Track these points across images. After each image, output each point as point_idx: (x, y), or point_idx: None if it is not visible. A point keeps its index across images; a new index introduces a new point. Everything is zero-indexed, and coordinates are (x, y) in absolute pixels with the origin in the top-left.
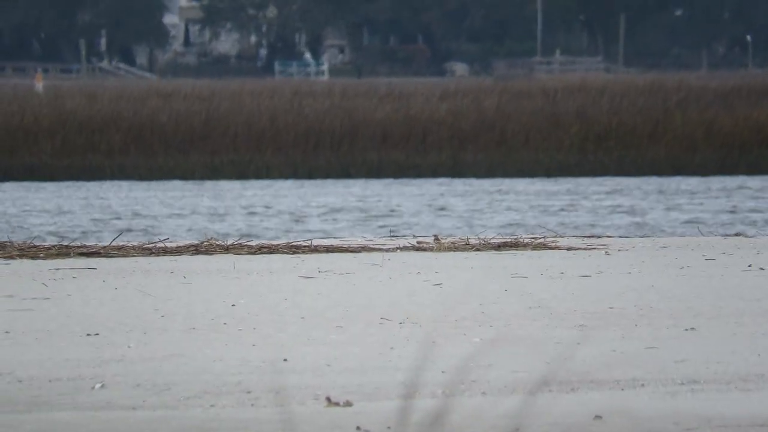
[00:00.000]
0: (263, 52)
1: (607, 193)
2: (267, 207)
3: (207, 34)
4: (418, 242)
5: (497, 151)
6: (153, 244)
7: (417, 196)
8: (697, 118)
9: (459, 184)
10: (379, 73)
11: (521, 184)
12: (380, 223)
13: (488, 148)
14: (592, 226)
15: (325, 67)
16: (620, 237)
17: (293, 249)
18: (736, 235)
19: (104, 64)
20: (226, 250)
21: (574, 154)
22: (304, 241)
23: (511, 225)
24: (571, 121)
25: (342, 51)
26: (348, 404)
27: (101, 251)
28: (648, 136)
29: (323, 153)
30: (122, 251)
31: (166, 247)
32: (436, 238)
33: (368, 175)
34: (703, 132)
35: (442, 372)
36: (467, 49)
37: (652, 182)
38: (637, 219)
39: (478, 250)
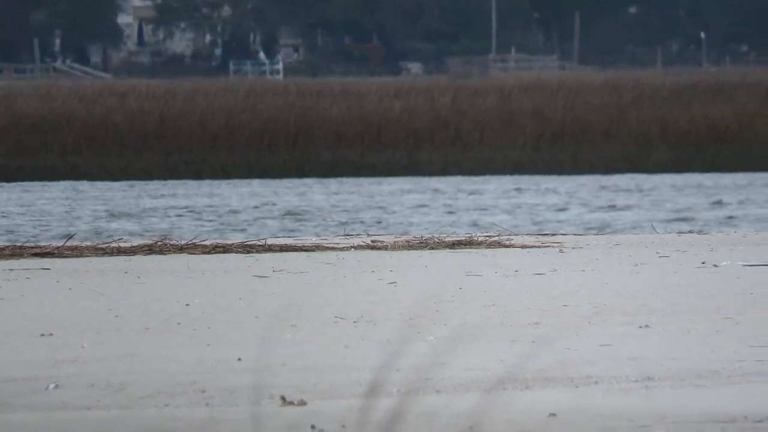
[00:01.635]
0: (218, 51)
1: (562, 190)
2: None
3: (161, 33)
4: (372, 241)
5: (452, 150)
6: (107, 244)
7: (371, 194)
8: (652, 116)
9: (414, 182)
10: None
11: (477, 182)
12: (336, 222)
13: (444, 146)
14: (546, 223)
15: (279, 66)
16: (574, 235)
17: (247, 248)
18: (690, 232)
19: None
20: (180, 249)
21: (529, 151)
22: (258, 240)
23: (464, 223)
24: (526, 119)
25: (297, 50)
26: (303, 403)
27: (55, 251)
28: (603, 133)
29: (278, 152)
30: (76, 251)
31: (120, 247)
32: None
33: (323, 174)
34: (658, 129)
35: (398, 371)
36: (422, 48)
37: (607, 180)
38: (592, 216)
39: (432, 248)
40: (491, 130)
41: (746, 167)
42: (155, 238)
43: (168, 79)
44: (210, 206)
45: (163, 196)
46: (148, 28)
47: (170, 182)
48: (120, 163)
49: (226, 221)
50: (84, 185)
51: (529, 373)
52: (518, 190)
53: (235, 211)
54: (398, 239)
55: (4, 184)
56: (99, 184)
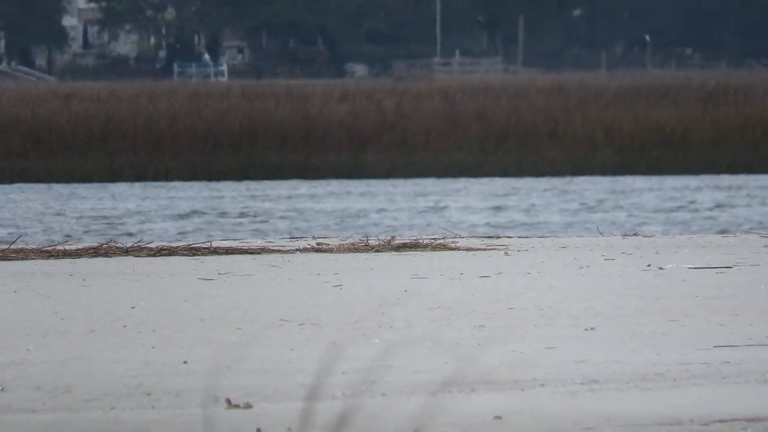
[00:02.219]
0: (162, 53)
1: (506, 193)
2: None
3: (106, 35)
4: (317, 244)
5: (397, 152)
6: (52, 247)
7: (318, 196)
8: (597, 119)
9: (359, 185)
10: (279, 74)
11: (421, 184)
12: (282, 226)
13: (388, 149)
14: (491, 226)
15: (224, 68)
16: (519, 237)
17: (193, 251)
18: (635, 234)
19: (3, 66)
20: (126, 252)
21: (474, 154)
22: (203, 242)
23: (412, 226)
24: (470, 122)
25: (241, 52)
26: (248, 406)
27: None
28: (548, 136)
29: (222, 155)
30: (21, 254)
31: (66, 249)
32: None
33: (268, 176)
34: (602, 132)
35: (343, 373)
36: (367, 51)
37: (551, 183)
38: (535, 219)
39: (377, 251)
40: (436, 133)
41: (690, 170)
42: (101, 241)
43: (112, 81)
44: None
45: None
46: (93, 30)
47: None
48: (66, 166)
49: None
50: (32, 187)
51: (474, 375)
52: (463, 192)
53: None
54: (344, 242)
55: None
56: (44, 186)
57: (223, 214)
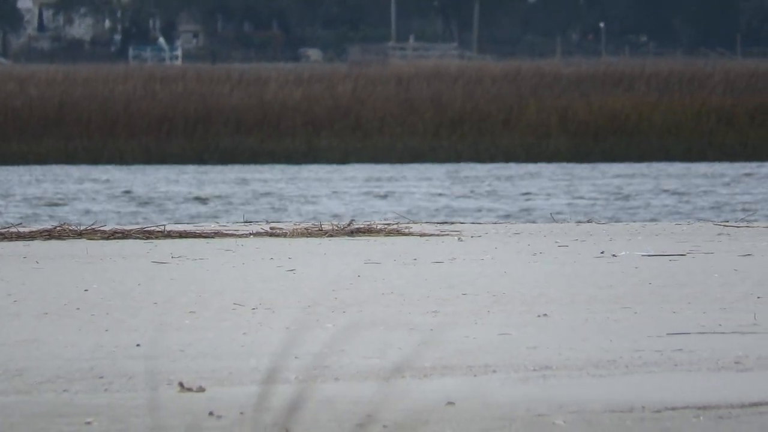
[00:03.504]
0: (117, 37)
1: (460, 179)
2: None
3: (61, 18)
4: (271, 228)
5: (352, 137)
6: (6, 229)
7: (272, 180)
8: (551, 106)
9: (313, 170)
10: (234, 58)
11: (375, 169)
12: (236, 210)
13: (343, 134)
14: (446, 212)
15: (179, 52)
16: (473, 223)
17: (146, 234)
18: (588, 221)
19: None
20: (79, 235)
21: (428, 140)
22: (157, 226)
23: (366, 211)
24: (425, 107)
25: (196, 36)
26: (201, 389)
27: None
28: (502, 122)
29: (177, 139)
30: None
31: (19, 231)
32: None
33: (222, 161)
34: (557, 119)
35: (296, 358)
36: (322, 35)
37: (505, 169)
38: (490, 205)
39: (331, 236)
40: (390, 119)
41: (644, 157)
42: (54, 224)
43: (68, 64)
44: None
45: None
46: (48, 14)
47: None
48: (20, 149)
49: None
50: None
51: (427, 361)
52: (419, 177)
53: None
54: (297, 226)
55: None
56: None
57: (177, 198)
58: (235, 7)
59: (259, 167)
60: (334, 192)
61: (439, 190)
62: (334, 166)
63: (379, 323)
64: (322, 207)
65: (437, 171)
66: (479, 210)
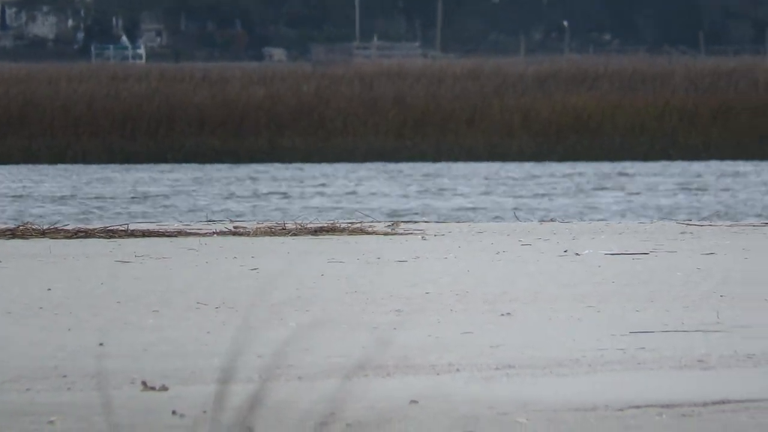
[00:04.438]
0: (80, 35)
1: (424, 178)
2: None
3: (24, 17)
4: (234, 227)
5: (315, 137)
6: None
7: (236, 179)
8: (514, 105)
9: (277, 169)
10: (197, 57)
11: (339, 168)
12: (199, 209)
13: (306, 133)
14: (409, 211)
15: (142, 51)
16: (437, 222)
17: (109, 233)
18: (552, 220)
19: None
20: (42, 234)
21: (392, 139)
22: (120, 225)
23: (327, 210)
24: (388, 107)
25: (159, 35)
26: (164, 388)
27: None
28: (466, 122)
29: (140, 138)
30: None
31: None
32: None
33: (185, 159)
34: (520, 118)
35: (259, 357)
36: (286, 34)
37: (469, 168)
38: (453, 204)
39: (294, 234)
40: (354, 118)
41: (608, 156)
42: (17, 223)
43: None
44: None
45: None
46: (11, 12)
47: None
48: None
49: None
50: None
51: (390, 359)
52: (381, 176)
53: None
54: (260, 225)
55: None
56: None
57: (139, 197)
58: (198, 5)
59: (222, 166)
60: (298, 191)
61: (403, 189)
62: (298, 165)
63: (342, 322)
64: (288, 206)
65: (401, 170)
66: (443, 209)
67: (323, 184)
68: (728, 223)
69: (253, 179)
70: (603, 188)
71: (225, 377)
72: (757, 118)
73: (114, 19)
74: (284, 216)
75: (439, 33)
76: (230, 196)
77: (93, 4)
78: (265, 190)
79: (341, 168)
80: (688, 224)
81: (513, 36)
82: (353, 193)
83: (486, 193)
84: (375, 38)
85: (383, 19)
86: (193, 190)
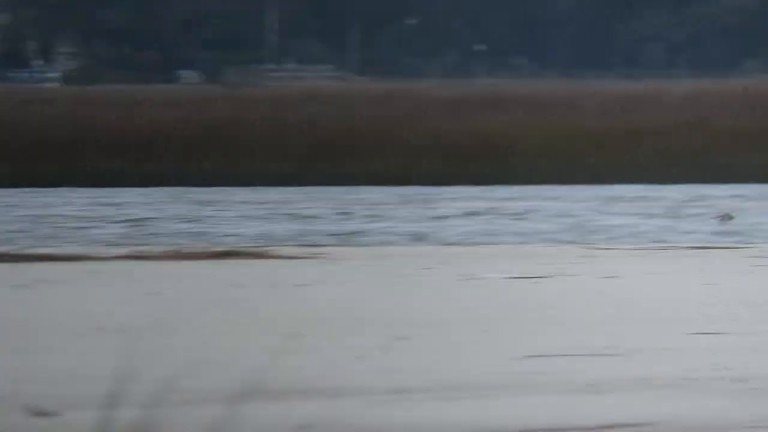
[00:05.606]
0: None
1: (333, 202)
2: None
3: None
4: (136, 252)
5: (225, 160)
6: None
7: (147, 204)
8: (425, 128)
9: (189, 193)
10: (112, 80)
11: (249, 192)
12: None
13: (216, 156)
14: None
15: (56, 74)
16: (339, 246)
17: (7, 257)
18: (454, 244)
19: None
20: None
21: (303, 163)
22: (18, 248)
23: (235, 235)
24: (300, 130)
25: (74, 58)
26: (54, 414)
27: None
28: (376, 145)
29: (51, 161)
30: None
31: None
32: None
33: (95, 183)
34: (431, 142)
35: (148, 382)
36: (200, 57)
37: (379, 191)
38: (357, 228)
39: (198, 259)
40: (265, 140)
41: (516, 180)
42: None
43: None
44: None
45: None
46: None
47: None
48: None
49: None
50: None
51: (283, 383)
52: (292, 200)
53: None
54: (165, 250)
55: None
56: None
57: (45, 221)
58: (113, 29)
59: (134, 190)
60: (207, 215)
61: (310, 213)
62: (209, 189)
63: (238, 345)
64: (193, 229)
65: (311, 194)
66: (346, 233)
67: (233, 208)
68: (630, 246)
69: (166, 202)
70: (509, 213)
71: (113, 402)
72: (664, 142)
73: (29, 43)
74: (192, 239)
75: (354, 56)
76: (138, 220)
77: (9, 28)
78: (176, 213)
79: (251, 191)
80: (589, 248)
81: (427, 59)
82: (262, 216)
83: (391, 218)
84: (289, 61)
85: (298, 41)
86: (102, 216)
